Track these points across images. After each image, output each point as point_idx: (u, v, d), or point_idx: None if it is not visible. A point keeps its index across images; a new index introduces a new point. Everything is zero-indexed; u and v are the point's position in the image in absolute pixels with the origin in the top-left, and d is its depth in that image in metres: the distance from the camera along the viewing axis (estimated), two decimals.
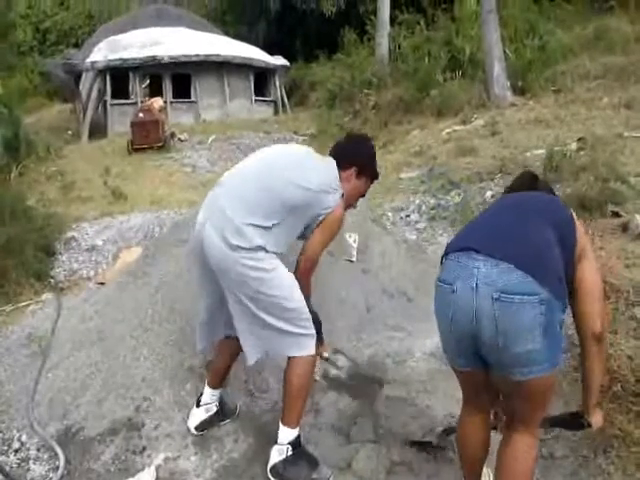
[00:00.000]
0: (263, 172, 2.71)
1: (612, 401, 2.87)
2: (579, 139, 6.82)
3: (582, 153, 6.32)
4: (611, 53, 10.38)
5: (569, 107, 8.52)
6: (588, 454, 2.75)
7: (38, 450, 3.16)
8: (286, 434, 2.69)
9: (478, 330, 1.98)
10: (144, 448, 3.03)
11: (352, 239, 4.38)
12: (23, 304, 5.21)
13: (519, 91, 10.19)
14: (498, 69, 9.97)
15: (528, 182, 2.50)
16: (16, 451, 3.18)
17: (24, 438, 3.25)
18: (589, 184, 5.24)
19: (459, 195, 6.53)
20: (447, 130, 9.21)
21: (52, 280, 5.80)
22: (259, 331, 2.65)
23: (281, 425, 2.71)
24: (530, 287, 1.92)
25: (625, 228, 4.33)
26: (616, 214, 4.65)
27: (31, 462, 3.11)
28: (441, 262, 2.22)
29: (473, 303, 1.96)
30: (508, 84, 10.07)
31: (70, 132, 16.20)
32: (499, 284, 1.93)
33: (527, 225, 2.11)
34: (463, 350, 2.12)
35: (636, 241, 4.01)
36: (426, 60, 11.86)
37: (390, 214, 6.63)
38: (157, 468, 2.91)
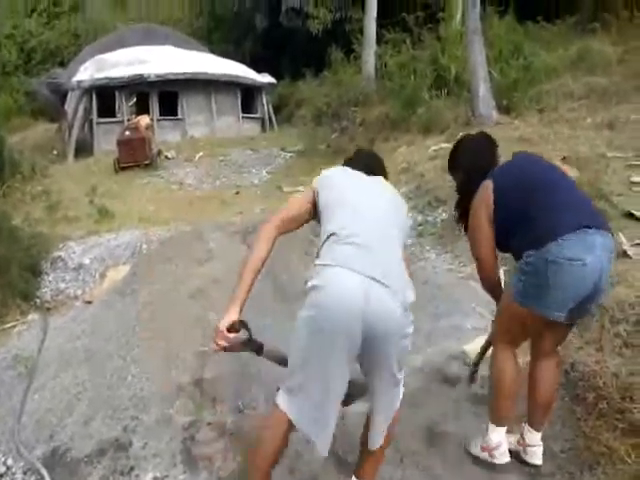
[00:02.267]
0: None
1: (598, 418, 2.90)
2: (563, 158, 6.89)
3: None
4: (593, 74, 10.53)
5: (553, 126, 8.61)
6: (575, 471, 2.76)
7: (24, 474, 3.12)
8: None
9: (598, 285, 2.49)
10: (132, 468, 3.00)
11: None
12: (9, 325, 5.18)
13: (504, 110, 10.28)
14: (483, 89, 10.06)
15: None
16: (1, 476, 3.13)
17: (10, 462, 3.21)
18: None
19: (446, 212, 6.58)
20: (434, 147, 9.26)
21: (38, 300, 5.76)
22: (394, 399, 2.32)
23: None
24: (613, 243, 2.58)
25: None
26: None
27: None
28: (536, 244, 2.49)
29: (599, 267, 2.45)
30: (493, 103, 10.17)
31: (56, 151, 16.14)
32: (610, 247, 2.51)
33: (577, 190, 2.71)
34: (572, 305, 2.50)
35: (620, 259, 4.05)
36: (412, 78, 11.93)
37: None
38: None
